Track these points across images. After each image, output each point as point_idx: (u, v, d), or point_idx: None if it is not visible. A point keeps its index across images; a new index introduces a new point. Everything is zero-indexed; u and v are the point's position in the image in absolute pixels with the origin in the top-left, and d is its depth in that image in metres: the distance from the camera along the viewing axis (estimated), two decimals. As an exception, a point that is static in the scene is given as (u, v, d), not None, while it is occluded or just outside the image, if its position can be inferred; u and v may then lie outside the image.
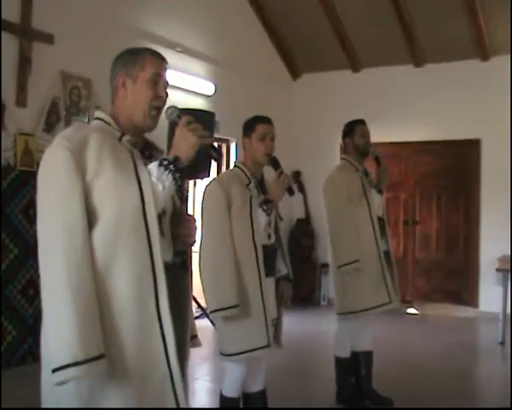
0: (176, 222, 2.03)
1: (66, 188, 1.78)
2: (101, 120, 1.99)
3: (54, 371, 1.71)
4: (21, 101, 5.03)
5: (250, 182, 3.14)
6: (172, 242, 2.00)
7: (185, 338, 2.05)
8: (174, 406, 1.84)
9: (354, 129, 4.14)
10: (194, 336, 2.20)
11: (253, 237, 3.03)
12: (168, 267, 1.92)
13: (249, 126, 3.18)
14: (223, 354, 3.12)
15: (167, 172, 1.87)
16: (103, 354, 1.74)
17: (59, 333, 1.73)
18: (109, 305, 1.79)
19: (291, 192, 3.18)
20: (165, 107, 2.03)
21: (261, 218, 3.10)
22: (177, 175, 1.89)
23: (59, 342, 1.72)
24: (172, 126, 1.99)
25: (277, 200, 3.16)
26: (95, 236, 1.79)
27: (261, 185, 3.22)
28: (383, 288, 3.98)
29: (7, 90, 4.90)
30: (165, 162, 1.89)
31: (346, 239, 3.98)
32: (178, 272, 2.02)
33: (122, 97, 1.99)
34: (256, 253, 3.03)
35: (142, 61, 1.98)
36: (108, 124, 1.97)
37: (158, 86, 1.99)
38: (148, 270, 1.83)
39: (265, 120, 3.18)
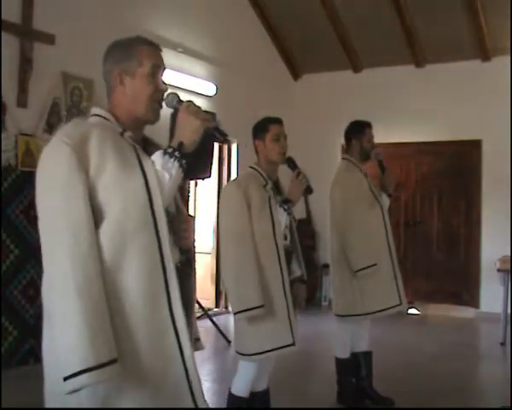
0: (176, 220, 1.94)
1: (70, 187, 1.69)
2: (100, 116, 1.90)
3: (65, 379, 1.62)
4: (22, 101, 5.03)
5: (267, 183, 3.14)
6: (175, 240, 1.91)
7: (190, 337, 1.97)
8: (191, 405, 1.78)
9: (364, 131, 4.08)
10: (197, 339, 2.10)
11: (274, 237, 3.04)
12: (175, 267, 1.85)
13: (261, 128, 3.18)
14: (241, 354, 3.10)
15: (173, 159, 1.79)
16: (115, 358, 1.65)
17: (68, 338, 1.63)
18: (120, 304, 1.71)
19: (309, 191, 3.19)
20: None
21: (282, 217, 3.12)
22: (184, 162, 1.81)
23: (68, 348, 1.63)
24: (174, 116, 1.92)
25: (296, 200, 3.17)
26: (101, 234, 1.71)
27: (276, 187, 3.22)
28: (394, 290, 3.99)
29: (8, 90, 4.90)
30: (170, 150, 1.81)
31: (361, 243, 3.94)
32: (183, 271, 1.93)
33: (120, 94, 1.91)
34: (278, 253, 3.04)
35: (138, 55, 1.89)
36: (107, 120, 1.89)
37: (157, 79, 1.90)
38: (158, 264, 1.75)
39: (278, 121, 3.19)
